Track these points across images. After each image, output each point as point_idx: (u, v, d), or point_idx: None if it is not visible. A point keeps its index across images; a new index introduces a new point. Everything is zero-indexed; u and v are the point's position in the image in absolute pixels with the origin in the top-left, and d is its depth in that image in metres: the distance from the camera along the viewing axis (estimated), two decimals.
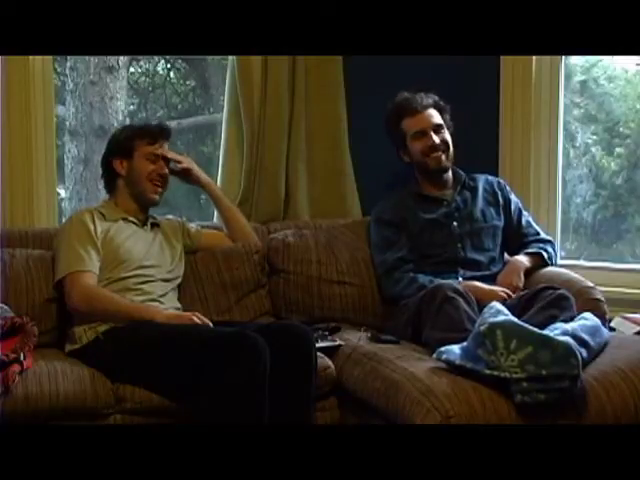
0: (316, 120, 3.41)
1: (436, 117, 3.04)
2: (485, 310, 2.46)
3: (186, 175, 2.97)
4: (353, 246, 3.14)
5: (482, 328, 2.26)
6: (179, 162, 2.92)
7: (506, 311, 2.44)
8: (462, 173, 3.11)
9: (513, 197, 3.12)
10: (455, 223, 2.99)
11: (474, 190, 3.08)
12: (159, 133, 2.84)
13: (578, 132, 3.56)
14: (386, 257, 2.96)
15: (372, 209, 3.16)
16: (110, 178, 2.86)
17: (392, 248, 2.97)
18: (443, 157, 3.01)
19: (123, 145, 2.82)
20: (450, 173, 3.08)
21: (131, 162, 2.80)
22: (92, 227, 2.69)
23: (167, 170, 2.83)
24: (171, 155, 2.88)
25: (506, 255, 3.07)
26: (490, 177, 3.17)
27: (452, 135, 3.08)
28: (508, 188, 3.14)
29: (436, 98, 3.08)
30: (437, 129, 3.02)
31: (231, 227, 3.06)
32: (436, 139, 3.00)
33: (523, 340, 2.21)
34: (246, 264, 3.00)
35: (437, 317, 2.56)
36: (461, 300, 2.58)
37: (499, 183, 3.15)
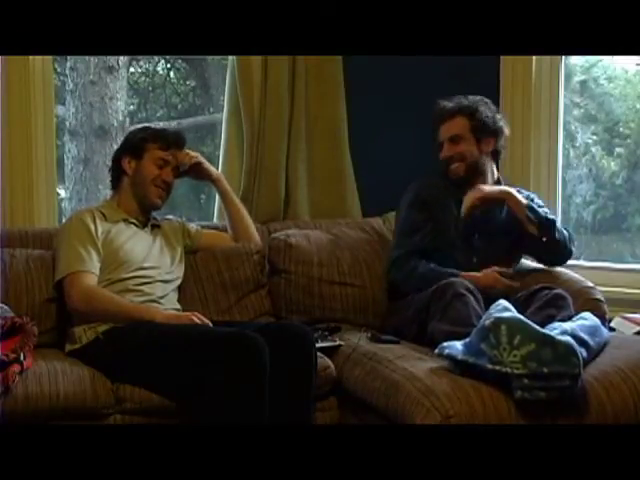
0: (316, 120, 3.41)
1: (454, 127, 2.92)
2: (492, 307, 2.46)
3: (196, 169, 2.94)
4: (354, 246, 3.14)
5: (487, 322, 2.26)
6: (189, 157, 2.88)
7: (513, 309, 2.44)
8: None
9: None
10: (476, 235, 2.94)
11: (508, 215, 2.95)
12: (174, 141, 2.84)
13: (578, 132, 3.56)
14: (405, 243, 2.92)
15: (410, 185, 3.05)
16: (117, 175, 2.86)
17: (414, 235, 2.91)
18: (460, 169, 2.92)
19: (135, 145, 2.82)
20: (488, 179, 2.97)
21: (139, 163, 2.79)
22: (92, 227, 2.69)
23: (172, 178, 2.82)
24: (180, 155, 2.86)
25: None
26: (524, 190, 3.05)
27: (493, 135, 2.93)
28: (537, 200, 3.01)
29: (464, 102, 2.94)
30: (453, 140, 2.92)
31: (235, 224, 3.05)
32: (448, 152, 2.92)
33: (526, 337, 2.21)
34: (246, 264, 3.00)
35: (445, 311, 2.56)
36: (471, 297, 2.58)
37: (528, 197, 3.01)
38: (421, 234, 2.91)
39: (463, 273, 2.78)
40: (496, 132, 2.95)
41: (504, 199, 2.87)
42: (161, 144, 2.80)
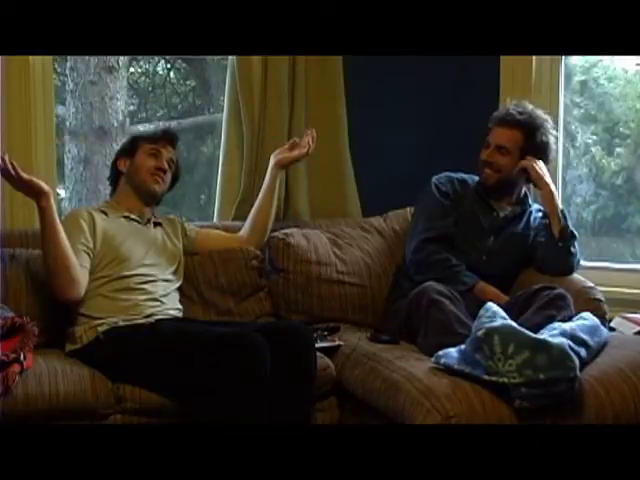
0: (316, 120, 3.41)
1: (506, 137, 2.88)
2: (481, 313, 2.44)
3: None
4: (353, 245, 3.14)
5: (479, 333, 2.26)
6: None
7: (502, 313, 2.43)
8: (530, 207, 3.01)
9: None
10: (492, 237, 2.95)
11: (526, 229, 2.99)
12: (162, 135, 2.90)
13: (578, 132, 3.56)
14: (435, 225, 2.91)
15: (433, 177, 3.05)
16: (114, 176, 2.90)
17: (444, 220, 2.92)
18: (491, 178, 2.92)
19: (128, 146, 2.91)
20: (514, 195, 2.99)
21: (133, 160, 2.84)
22: (85, 225, 2.67)
23: (167, 166, 2.83)
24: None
25: None
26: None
27: (539, 159, 2.89)
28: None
29: (529, 116, 2.89)
30: (499, 149, 2.90)
31: (255, 222, 3.02)
32: (488, 157, 2.91)
33: (520, 345, 2.20)
34: (244, 270, 2.99)
35: (427, 323, 2.56)
36: (447, 302, 2.57)
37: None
38: (448, 220, 2.92)
39: (482, 283, 2.81)
40: (544, 158, 2.92)
41: (542, 187, 2.88)
42: (150, 139, 2.88)
